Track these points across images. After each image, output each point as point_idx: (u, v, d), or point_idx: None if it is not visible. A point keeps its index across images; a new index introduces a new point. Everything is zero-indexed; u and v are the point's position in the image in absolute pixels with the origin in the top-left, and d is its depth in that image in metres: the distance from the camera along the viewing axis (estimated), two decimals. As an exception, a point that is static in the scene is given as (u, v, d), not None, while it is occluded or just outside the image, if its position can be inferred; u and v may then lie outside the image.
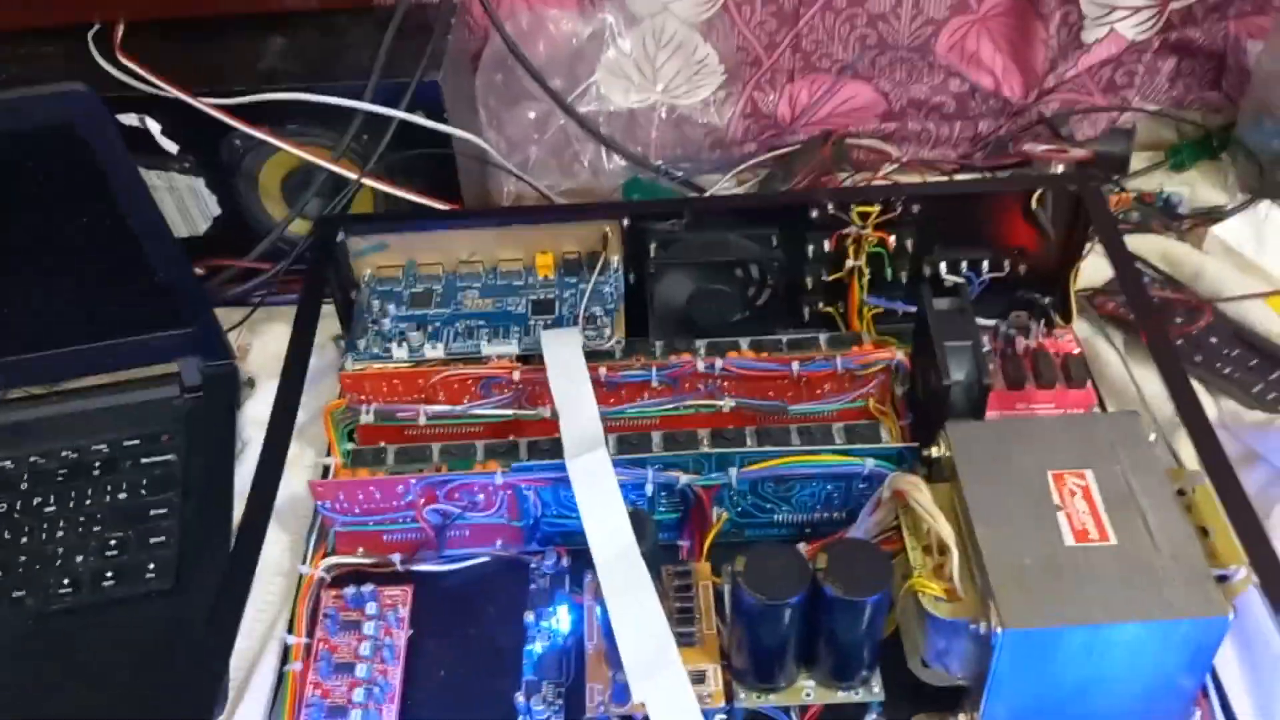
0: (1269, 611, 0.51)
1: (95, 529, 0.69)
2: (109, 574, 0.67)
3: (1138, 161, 0.94)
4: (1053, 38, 0.93)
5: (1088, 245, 0.73)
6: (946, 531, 0.53)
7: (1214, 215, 0.86)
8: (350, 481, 0.63)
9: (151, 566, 0.67)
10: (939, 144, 0.97)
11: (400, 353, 0.70)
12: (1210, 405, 0.73)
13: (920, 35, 0.93)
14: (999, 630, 0.49)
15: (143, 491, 0.71)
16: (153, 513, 0.70)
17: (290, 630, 0.62)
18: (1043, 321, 0.72)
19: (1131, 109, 0.95)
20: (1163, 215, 0.88)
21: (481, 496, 0.64)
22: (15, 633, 0.65)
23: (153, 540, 0.69)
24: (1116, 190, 0.90)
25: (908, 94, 0.96)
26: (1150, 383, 0.73)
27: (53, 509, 0.71)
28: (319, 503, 0.64)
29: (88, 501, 0.71)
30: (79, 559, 0.68)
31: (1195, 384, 0.63)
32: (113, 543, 0.69)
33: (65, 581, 0.67)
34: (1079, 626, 0.49)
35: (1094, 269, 0.78)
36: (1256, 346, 0.76)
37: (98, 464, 0.73)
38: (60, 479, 0.72)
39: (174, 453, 0.73)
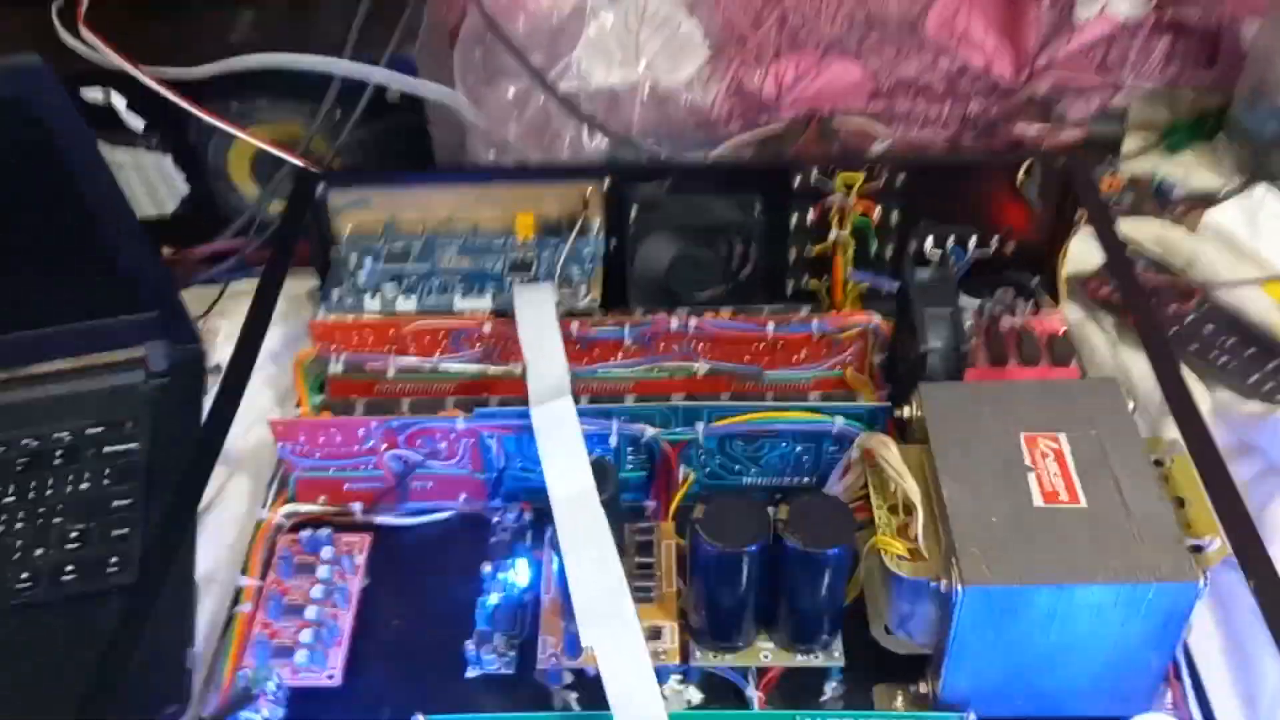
0: (1244, 579, 0.50)
1: (56, 521, 0.67)
2: (69, 567, 0.65)
3: (1131, 143, 0.92)
4: (1044, 16, 0.91)
5: (1076, 224, 0.72)
6: (912, 488, 0.52)
7: (1208, 199, 0.84)
8: (311, 421, 0.63)
9: (114, 560, 0.65)
10: (928, 124, 0.95)
11: (373, 304, 0.70)
12: (1204, 396, 0.71)
13: (909, 12, 0.92)
14: (960, 588, 0.48)
15: (105, 481, 0.69)
16: (115, 504, 0.68)
17: (244, 573, 0.61)
18: (1030, 301, 0.71)
19: (1124, 89, 0.94)
20: (1156, 199, 0.86)
21: (444, 444, 0.62)
22: (-28, 628, 0.63)
23: (115, 533, 0.66)
24: (1110, 173, 0.88)
25: (896, 73, 0.94)
26: (1138, 366, 0.72)
27: (12, 499, 0.68)
28: (279, 444, 0.63)
29: (48, 492, 0.69)
30: (38, 552, 0.66)
31: (1189, 374, 0.61)
32: (74, 535, 0.66)
33: (24, 576, 0.65)
34: (1043, 586, 0.48)
35: (1088, 254, 0.76)
36: (1253, 335, 0.74)
37: (59, 452, 0.71)
38: (20, 469, 0.70)
39: (138, 440, 0.71)
